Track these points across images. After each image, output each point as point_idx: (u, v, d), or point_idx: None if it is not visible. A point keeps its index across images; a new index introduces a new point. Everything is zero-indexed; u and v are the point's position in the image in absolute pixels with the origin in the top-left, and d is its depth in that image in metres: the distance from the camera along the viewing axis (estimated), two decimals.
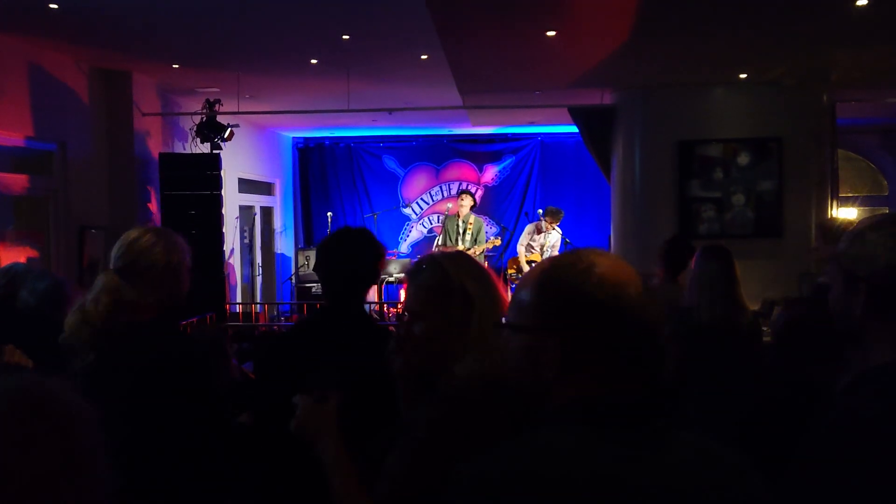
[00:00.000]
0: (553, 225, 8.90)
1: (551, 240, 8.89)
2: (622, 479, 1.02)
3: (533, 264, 8.64)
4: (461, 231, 8.64)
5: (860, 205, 10.02)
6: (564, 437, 1.06)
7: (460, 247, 8.55)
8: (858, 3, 4.54)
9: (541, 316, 1.11)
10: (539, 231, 9.07)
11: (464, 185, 10.54)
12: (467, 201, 8.64)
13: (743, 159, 6.77)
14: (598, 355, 1.09)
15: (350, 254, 2.29)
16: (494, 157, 11.15)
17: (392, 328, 2.44)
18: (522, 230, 9.51)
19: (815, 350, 2.26)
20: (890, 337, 1.28)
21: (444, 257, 1.60)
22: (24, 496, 0.92)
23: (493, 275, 1.60)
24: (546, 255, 8.72)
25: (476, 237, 8.64)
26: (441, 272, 1.54)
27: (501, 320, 1.33)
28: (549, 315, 1.10)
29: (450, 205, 8.83)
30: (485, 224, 9.30)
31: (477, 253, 8.50)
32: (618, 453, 1.03)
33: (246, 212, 9.68)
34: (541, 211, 9.05)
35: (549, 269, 1.14)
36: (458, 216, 8.68)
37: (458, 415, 1.42)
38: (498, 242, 8.77)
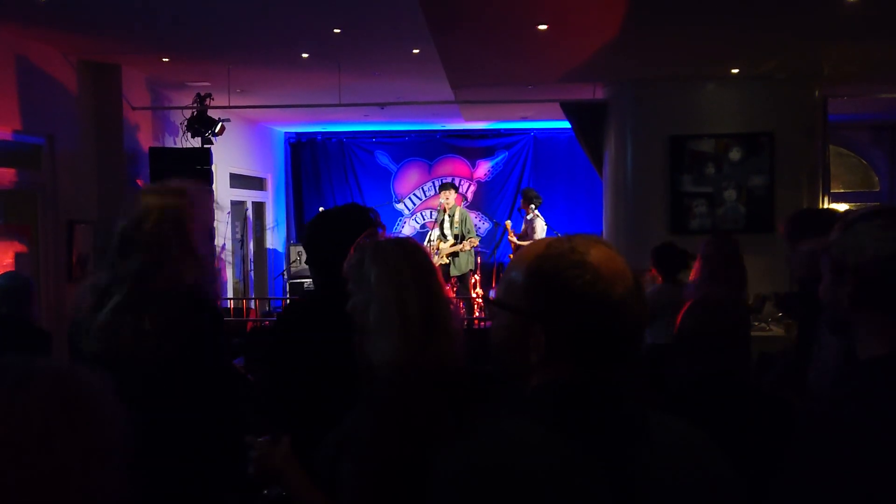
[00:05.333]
0: (530, 207, 8.62)
1: (537, 228, 8.56)
2: (592, 469, 1.03)
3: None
4: (448, 226, 8.59)
5: (851, 201, 10.05)
6: (536, 427, 1.06)
7: (448, 242, 8.52)
8: None
9: (529, 300, 1.11)
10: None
11: (447, 179, 10.46)
12: (451, 196, 8.62)
13: (734, 154, 6.77)
14: (580, 345, 1.09)
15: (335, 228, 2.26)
16: (487, 153, 11.13)
17: None
18: (517, 225, 9.44)
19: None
20: (877, 330, 1.28)
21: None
22: (38, 480, 0.91)
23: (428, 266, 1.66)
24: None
25: (462, 232, 8.54)
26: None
27: (490, 295, 1.37)
28: (538, 301, 1.10)
29: (441, 200, 8.81)
30: (471, 216, 9.21)
31: (466, 249, 8.46)
32: (588, 442, 1.04)
33: (237, 207, 9.63)
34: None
35: (542, 255, 1.13)
36: (445, 211, 8.65)
37: (398, 420, 1.44)
38: (475, 243, 8.63)
